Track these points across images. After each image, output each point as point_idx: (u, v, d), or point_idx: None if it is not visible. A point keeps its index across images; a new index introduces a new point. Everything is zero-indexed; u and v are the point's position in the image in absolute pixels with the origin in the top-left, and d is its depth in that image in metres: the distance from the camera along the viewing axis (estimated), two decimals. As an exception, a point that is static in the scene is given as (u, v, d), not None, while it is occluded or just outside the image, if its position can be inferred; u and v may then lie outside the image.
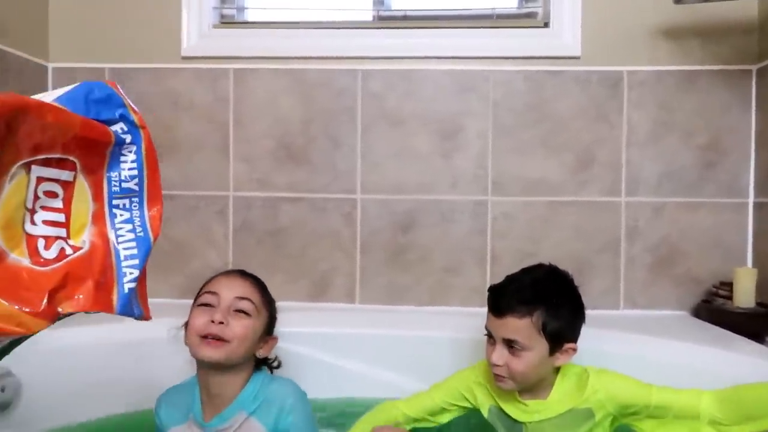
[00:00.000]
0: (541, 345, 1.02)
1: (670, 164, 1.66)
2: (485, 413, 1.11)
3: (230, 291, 1.00)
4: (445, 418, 1.15)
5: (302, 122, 1.70)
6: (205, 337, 0.97)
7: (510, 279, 1.08)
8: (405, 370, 1.43)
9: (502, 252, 1.68)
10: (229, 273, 1.06)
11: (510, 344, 1.01)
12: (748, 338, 1.37)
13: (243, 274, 1.07)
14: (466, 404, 1.14)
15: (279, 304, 1.65)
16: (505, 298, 1.03)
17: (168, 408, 1.05)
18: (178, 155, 1.71)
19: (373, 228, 1.69)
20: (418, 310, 1.67)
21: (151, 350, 1.28)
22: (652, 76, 1.66)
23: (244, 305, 1.00)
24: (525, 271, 1.09)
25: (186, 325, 1.01)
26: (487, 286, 1.63)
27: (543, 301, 1.02)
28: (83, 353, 1.31)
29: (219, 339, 0.96)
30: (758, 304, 1.51)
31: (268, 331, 1.06)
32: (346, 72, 1.69)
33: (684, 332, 1.45)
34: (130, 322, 1.44)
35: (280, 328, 1.46)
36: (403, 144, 1.69)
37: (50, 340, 1.27)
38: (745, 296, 1.51)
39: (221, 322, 0.97)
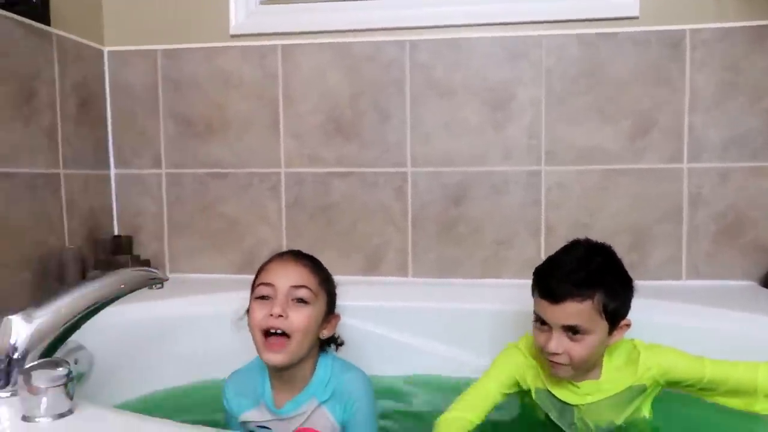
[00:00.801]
0: (602, 326, 0.98)
1: (736, 128, 1.57)
2: (533, 394, 1.08)
3: (286, 280, 0.97)
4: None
5: (351, 96, 1.69)
6: (267, 333, 0.95)
7: (556, 262, 1.03)
8: (459, 343, 1.43)
9: (556, 223, 1.64)
10: (282, 258, 1.03)
11: (570, 330, 0.97)
12: (823, 309, 1.30)
13: (296, 257, 1.03)
14: (519, 388, 1.10)
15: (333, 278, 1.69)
16: (559, 282, 0.97)
17: (237, 396, 1.04)
18: (230, 133, 1.74)
19: (424, 201, 1.68)
20: (471, 282, 1.66)
21: (214, 324, 1.30)
22: (717, 34, 1.56)
23: (302, 294, 0.97)
24: (566, 251, 1.03)
25: (248, 312, 1.00)
26: (542, 257, 1.63)
27: (600, 281, 0.98)
28: (149, 327, 1.37)
29: (281, 335, 0.94)
30: (834, 273, 1.43)
31: (329, 310, 1.03)
32: (393, 43, 1.67)
33: (752, 303, 1.39)
34: (193, 297, 1.50)
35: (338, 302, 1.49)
36: (453, 115, 1.66)
37: (118, 315, 1.34)
38: (819, 265, 1.43)
39: (281, 315, 0.94)
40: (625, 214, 1.61)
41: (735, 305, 1.35)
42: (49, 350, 0.88)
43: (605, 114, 1.61)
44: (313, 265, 1.03)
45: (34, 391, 0.72)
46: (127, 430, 0.74)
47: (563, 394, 1.05)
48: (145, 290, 1.15)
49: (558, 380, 1.05)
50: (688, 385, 1.05)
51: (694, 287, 1.55)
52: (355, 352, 1.43)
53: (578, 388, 1.04)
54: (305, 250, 1.68)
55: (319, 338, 1.01)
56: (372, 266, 1.71)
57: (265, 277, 0.98)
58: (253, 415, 1.01)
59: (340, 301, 1.49)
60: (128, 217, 1.79)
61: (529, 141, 1.64)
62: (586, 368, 1.03)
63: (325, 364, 1.02)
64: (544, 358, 1.03)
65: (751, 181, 1.57)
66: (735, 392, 1.03)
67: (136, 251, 1.73)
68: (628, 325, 1.03)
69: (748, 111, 1.56)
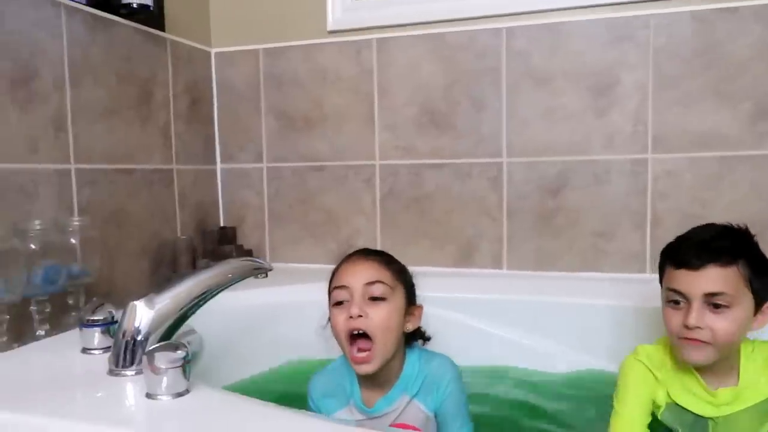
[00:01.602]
0: (748, 301, 0.88)
1: None
2: (659, 414, 0.98)
3: (359, 279, 0.95)
4: None
5: (444, 87, 1.68)
6: (351, 336, 0.93)
7: (692, 233, 0.95)
8: (557, 337, 1.39)
9: (664, 214, 1.54)
10: (351, 258, 1.00)
11: (712, 301, 0.88)
12: None
13: (365, 254, 1.01)
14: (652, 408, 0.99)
15: (425, 269, 1.68)
16: (700, 248, 0.89)
17: (325, 398, 1.02)
18: (327, 127, 1.79)
19: (520, 192, 1.64)
20: (568, 276, 1.60)
21: (314, 309, 1.34)
22: None
23: (378, 290, 0.94)
24: (701, 227, 0.96)
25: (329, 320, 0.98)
26: (647, 250, 1.55)
27: (744, 252, 0.89)
28: (253, 313, 1.45)
29: (364, 336, 0.93)
30: None
31: (410, 302, 1.01)
32: (488, 31, 1.63)
33: None
34: (294, 285, 1.56)
35: (427, 293, 1.49)
36: (551, 103, 1.60)
37: (226, 301, 1.42)
38: None
39: (360, 315, 0.92)
40: (743, 205, 1.48)
41: None
42: (168, 333, 0.95)
43: (722, 96, 1.48)
44: (384, 259, 1.00)
45: (156, 370, 0.78)
46: (236, 409, 0.79)
47: (697, 406, 0.95)
48: (251, 279, 1.23)
49: (689, 390, 0.96)
50: None
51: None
52: (448, 343, 1.43)
53: (714, 397, 0.94)
54: (399, 242, 1.74)
55: (404, 333, 0.99)
56: (466, 258, 1.70)
57: (339, 281, 0.97)
58: (343, 416, 1.00)
59: (434, 292, 1.49)
60: (233, 209, 1.90)
61: (635, 127, 1.55)
62: (725, 366, 0.93)
63: (412, 359, 1.01)
64: (677, 344, 0.92)
65: None
66: None
67: (239, 241, 1.83)
68: None
69: None
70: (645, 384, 0.98)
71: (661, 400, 0.98)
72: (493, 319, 1.45)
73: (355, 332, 0.93)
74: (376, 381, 0.98)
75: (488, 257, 1.68)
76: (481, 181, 1.67)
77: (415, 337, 1.04)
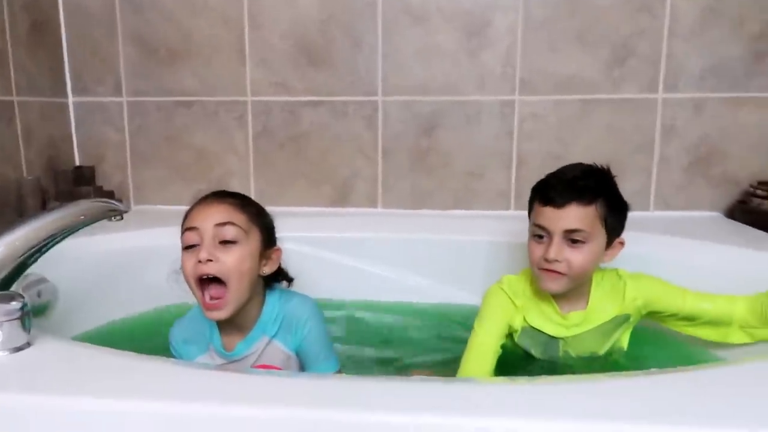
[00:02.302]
0: (601, 237, 0.98)
1: (716, 56, 1.54)
2: (516, 337, 1.07)
3: (209, 221, 0.90)
4: None
5: (320, 21, 1.61)
6: (202, 281, 0.89)
7: (559, 172, 1.02)
8: (430, 273, 1.44)
9: (529, 155, 1.62)
10: (204, 200, 0.95)
11: (570, 237, 0.96)
12: (785, 239, 1.32)
13: (219, 196, 0.95)
14: (508, 330, 1.07)
15: (301, 209, 1.67)
16: (564, 187, 0.97)
17: (185, 344, 1.00)
18: (194, 60, 1.65)
19: (395, 131, 1.64)
20: (442, 214, 1.65)
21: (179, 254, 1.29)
22: (701, -43, 1.50)
23: (228, 232, 0.90)
24: (568, 167, 1.03)
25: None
26: (513, 189, 1.63)
27: (603, 191, 0.98)
28: (115, 259, 1.35)
29: (216, 281, 0.89)
30: (798, 204, 1.45)
31: (267, 245, 0.97)
32: (364, -37, 1.58)
33: (717, 233, 1.40)
34: (159, 229, 1.47)
35: (303, 234, 1.48)
36: (427, 41, 1.59)
37: (81, 246, 1.31)
38: (785, 196, 1.44)
39: (209, 260, 0.88)
40: (599, 146, 1.60)
41: (700, 236, 1.37)
42: (6, 283, 0.86)
43: (584, 41, 1.56)
44: (239, 201, 0.95)
45: (-13, 325, 0.70)
46: (83, 361, 0.73)
47: (550, 327, 1.05)
48: (107, 222, 1.13)
49: (543, 314, 1.05)
50: (667, 315, 1.07)
51: (661, 218, 1.56)
52: (325, 282, 1.44)
53: (565, 320, 1.04)
54: (274, 182, 1.69)
55: (261, 276, 0.96)
56: (342, 197, 1.69)
57: (189, 222, 0.92)
58: (204, 361, 0.99)
59: (311, 232, 1.49)
60: (90, 147, 1.73)
61: (504, 69, 1.59)
62: (577, 293, 1.03)
63: (272, 301, 0.99)
64: (537, 274, 1.01)
65: (726, 112, 1.56)
66: (712, 323, 1.05)
67: (99, 182, 1.68)
68: (622, 244, 1.03)
69: (728, 39, 1.53)
70: (503, 310, 1.06)
71: (518, 325, 1.06)
72: (369, 258, 1.47)
73: (205, 277, 0.89)
74: (234, 325, 0.96)
75: (364, 197, 1.68)
76: (357, 120, 1.64)
77: (277, 278, 1.02)
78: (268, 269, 0.96)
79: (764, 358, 0.77)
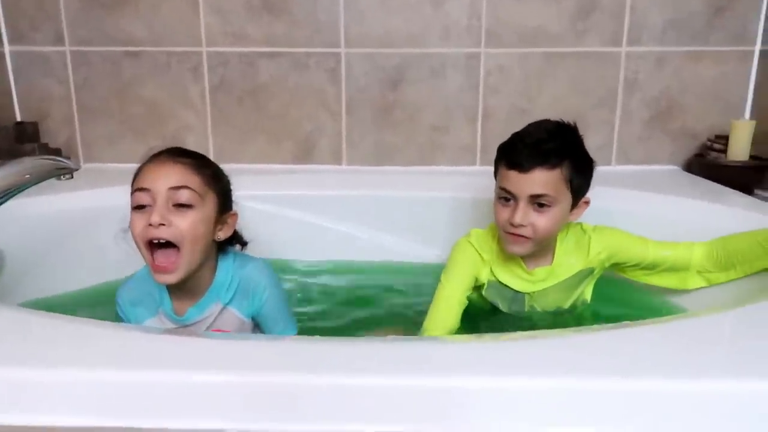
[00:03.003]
0: (567, 199, 0.98)
1: (678, 10, 1.54)
2: (483, 289, 1.07)
3: (163, 182, 0.85)
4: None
5: (277, -35, 1.52)
6: (152, 244, 0.85)
7: (524, 133, 0.99)
8: (396, 231, 1.43)
9: (494, 109, 1.60)
10: (158, 158, 0.89)
11: (536, 201, 0.95)
12: (740, 191, 1.36)
13: (173, 155, 0.89)
14: (475, 283, 1.08)
15: (262, 167, 1.62)
16: (529, 151, 0.95)
17: (133, 306, 0.96)
18: (141, 5, 1.55)
19: (359, 85, 1.59)
20: (406, 170, 1.63)
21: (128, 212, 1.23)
22: None
23: (183, 196, 0.85)
24: (534, 126, 1.00)
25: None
26: (478, 144, 1.62)
27: (569, 153, 0.96)
28: (64, 220, 1.28)
29: (168, 245, 0.85)
30: (752, 157, 1.48)
31: (223, 210, 0.93)
32: None
33: (674, 186, 1.43)
34: (108, 187, 1.40)
35: (265, 192, 1.44)
36: (390, -11, 1.53)
37: (29, 207, 1.24)
38: (740, 149, 1.48)
39: (162, 224, 0.84)
40: (564, 100, 1.59)
41: (658, 189, 1.39)
42: (-56, 247, 0.80)
43: (549, -8, 1.53)
44: (196, 162, 0.90)
45: None
46: (33, 328, 0.69)
47: (516, 283, 1.05)
48: (55, 181, 1.07)
49: (509, 269, 1.05)
50: (630, 266, 1.09)
51: (622, 172, 1.58)
52: (288, 241, 1.41)
53: (531, 275, 1.04)
54: (233, 138, 1.63)
55: (215, 241, 0.93)
56: (305, 154, 1.64)
57: (141, 182, 0.86)
58: (153, 325, 0.95)
59: (272, 191, 1.45)
60: (31, 102, 1.61)
61: (470, 21, 1.55)
62: (542, 250, 1.03)
63: (226, 266, 0.95)
64: (503, 237, 1.00)
65: (687, 65, 1.57)
66: (671, 270, 1.08)
67: (44, 139, 1.58)
68: (587, 203, 1.03)
69: (690, -8, 1.53)
70: (471, 262, 1.06)
71: (484, 278, 1.07)
72: (333, 215, 1.44)
73: (156, 241, 0.85)
74: (185, 289, 0.92)
75: (327, 153, 1.64)
76: (319, 73, 1.58)
77: (231, 242, 0.99)
78: (223, 234, 0.93)
79: (726, 309, 0.79)
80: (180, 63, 1.58)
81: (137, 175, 0.88)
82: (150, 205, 0.85)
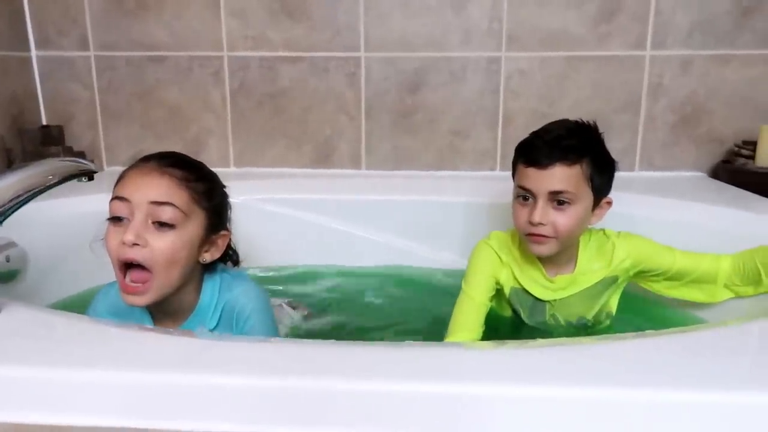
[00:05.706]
0: (588, 198, 0.95)
1: (704, 12, 1.51)
2: (507, 293, 1.05)
3: (144, 194, 0.75)
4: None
5: (298, -30, 1.53)
6: (125, 265, 0.77)
7: (543, 130, 0.97)
8: (415, 235, 1.42)
9: (515, 113, 1.59)
10: (145, 165, 0.79)
11: (556, 198, 0.93)
12: (768, 198, 1.33)
13: (163, 164, 0.79)
14: (497, 286, 1.05)
15: (281, 170, 1.62)
16: (549, 147, 0.92)
17: (111, 317, 0.87)
18: (165, 11, 1.56)
19: (378, 89, 1.59)
20: (426, 174, 1.62)
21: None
22: None
23: (165, 214, 0.76)
24: (553, 124, 0.98)
25: None
26: (498, 149, 1.60)
27: (589, 150, 0.94)
28: (88, 222, 1.30)
29: (140, 267, 0.76)
30: (782, 163, 1.45)
31: (212, 230, 0.83)
32: None
33: (700, 193, 1.40)
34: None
35: (283, 195, 1.44)
36: (410, -6, 1.53)
37: (54, 209, 1.26)
38: (768, 155, 1.44)
39: (136, 244, 0.75)
40: (586, 104, 1.57)
41: (684, 195, 1.36)
42: (-31, 248, 0.81)
43: (572, -5, 1.51)
44: (187, 174, 0.80)
45: (-52, 292, 0.66)
46: (57, 329, 0.70)
47: (536, 290, 1.02)
48: (80, 184, 1.08)
49: (531, 277, 1.02)
50: (656, 275, 1.05)
51: (645, 178, 1.56)
52: (307, 244, 1.42)
53: (552, 283, 1.02)
54: (253, 142, 1.63)
55: (200, 263, 0.83)
56: (324, 158, 1.64)
57: (121, 190, 0.77)
58: None
59: (292, 194, 1.45)
60: (57, 105, 1.64)
61: (490, 24, 1.54)
62: (564, 256, 1.00)
63: (211, 287, 0.86)
64: (525, 240, 0.98)
65: (712, 70, 1.54)
66: (698, 282, 1.04)
67: (68, 142, 1.61)
68: (609, 204, 1.00)
69: (716, -6, 1.50)
70: (489, 264, 1.04)
71: (505, 281, 1.04)
72: (352, 220, 1.44)
73: (128, 263, 0.77)
74: (167, 313, 0.85)
75: (346, 157, 1.64)
76: (339, 77, 1.59)
77: (223, 260, 0.90)
78: (209, 256, 0.84)
79: (751, 319, 0.76)
80: (201, 67, 1.60)
81: (119, 180, 0.80)
82: (127, 219, 0.77)
